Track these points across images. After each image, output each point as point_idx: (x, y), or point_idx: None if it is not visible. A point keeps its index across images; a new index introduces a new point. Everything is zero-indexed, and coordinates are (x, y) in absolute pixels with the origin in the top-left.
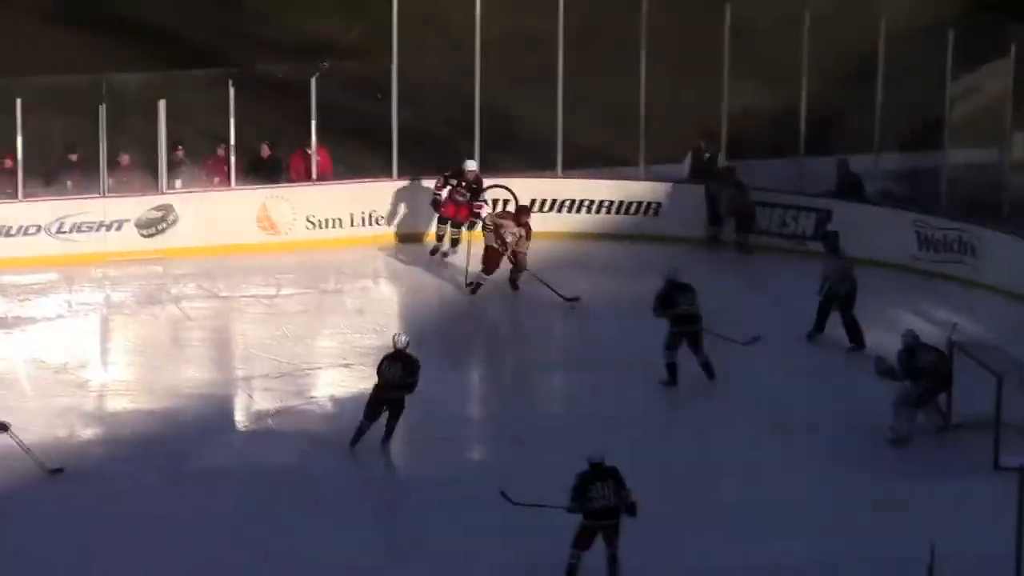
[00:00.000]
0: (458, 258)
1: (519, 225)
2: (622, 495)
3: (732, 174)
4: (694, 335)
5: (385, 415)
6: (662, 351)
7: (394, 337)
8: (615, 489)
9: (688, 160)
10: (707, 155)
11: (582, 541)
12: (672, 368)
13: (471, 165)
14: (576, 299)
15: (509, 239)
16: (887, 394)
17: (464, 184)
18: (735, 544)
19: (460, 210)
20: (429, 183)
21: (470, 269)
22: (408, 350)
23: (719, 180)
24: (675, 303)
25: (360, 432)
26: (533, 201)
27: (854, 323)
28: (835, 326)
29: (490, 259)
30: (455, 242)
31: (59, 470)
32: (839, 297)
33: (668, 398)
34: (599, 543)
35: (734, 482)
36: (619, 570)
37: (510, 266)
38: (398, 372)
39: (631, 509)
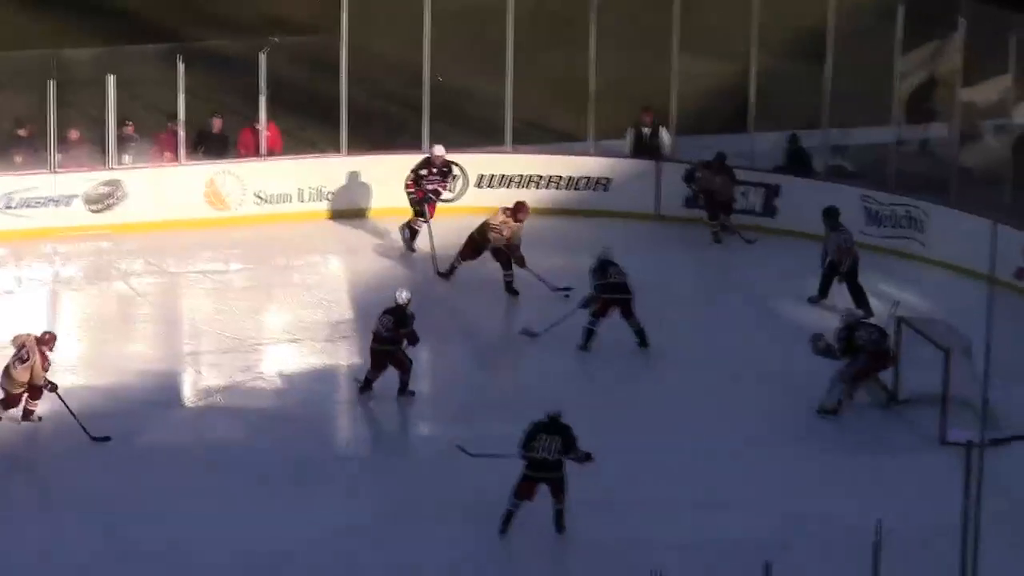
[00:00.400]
0: (421, 241)
1: (516, 221)
2: (570, 454)
3: (723, 161)
4: (625, 304)
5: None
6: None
7: (396, 292)
8: (561, 447)
9: (630, 136)
10: (648, 131)
11: (521, 490)
12: (590, 334)
13: (439, 150)
14: (568, 289)
15: (495, 235)
16: (823, 367)
17: (435, 171)
18: (678, 518)
19: (429, 202)
20: (378, 158)
21: (438, 253)
22: (408, 307)
23: (711, 169)
24: (607, 274)
25: (368, 382)
26: (482, 176)
27: (860, 293)
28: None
29: (467, 247)
30: (414, 233)
31: (106, 438)
32: (841, 272)
33: (614, 372)
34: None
35: (679, 456)
36: (564, 524)
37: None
38: (388, 324)
39: (582, 458)
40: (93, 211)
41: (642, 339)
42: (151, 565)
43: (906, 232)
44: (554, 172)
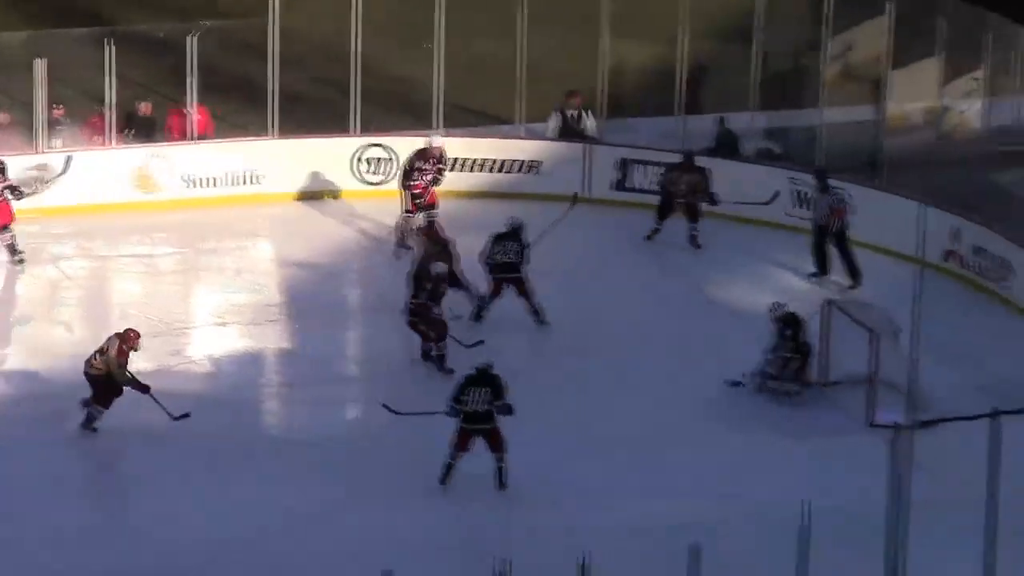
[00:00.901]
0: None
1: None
2: (496, 402)
3: (691, 161)
4: (517, 282)
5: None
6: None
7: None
8: (491, 396)
9: (554, 119)
10: (574, 114)
11: (458, 442)
12: (479, 308)
13: (437, 140)
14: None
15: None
16: (756, 351)
17: (432, 161)
18: (612, 504)
19: (427, 190)
20: (308, 142)
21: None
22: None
23: (680, 169)
24: (494, 251)
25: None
26: None
27: (850, 259)
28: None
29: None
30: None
31: (185, 415)
32: (832, 233)
33: (545, 355)
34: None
35: (601, 441)
36: (506, 480)
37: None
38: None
39: (504, 410)
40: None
41: (538, 317)
42: (86, 548)
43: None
44: (484, 155)
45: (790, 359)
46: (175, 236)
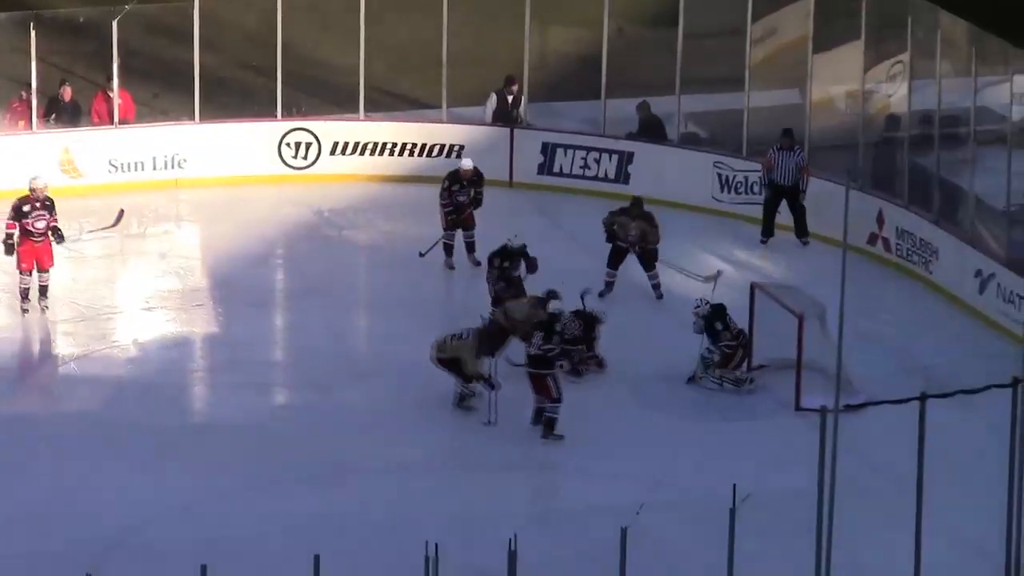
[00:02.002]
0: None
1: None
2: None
3: (641, 206)
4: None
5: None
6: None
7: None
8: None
9: (492, 101)
10: (511, 98)
11: None
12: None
13: (467, 163)
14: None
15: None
16: (691, 337)
17: (465, 183)
18: (540, 486)
19: (464, 210)
20: (232, 126)
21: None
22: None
23: (627, 215)
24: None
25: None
26: (336, 144)
27: (802, 215)
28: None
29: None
30: (449, 248)
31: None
32: (785, 189)
33: None
34: None
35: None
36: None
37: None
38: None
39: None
40: None
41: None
42: (7, 534)
43: (759, 198)
44: (407, 139)
45: (734, 348)
46: (100, 221)
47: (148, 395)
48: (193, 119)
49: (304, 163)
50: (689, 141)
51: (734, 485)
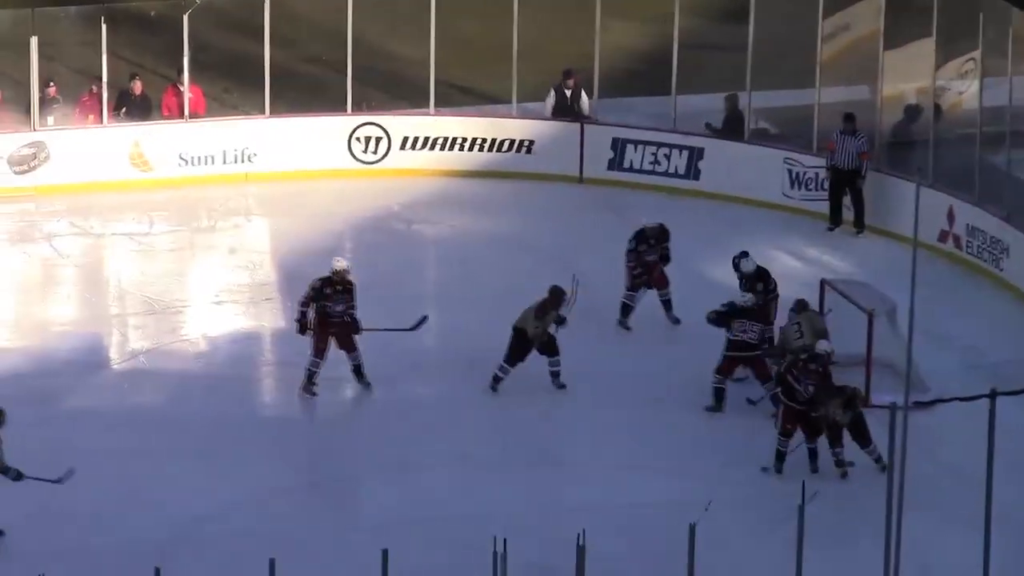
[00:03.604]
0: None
1: None
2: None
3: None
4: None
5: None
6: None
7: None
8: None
9: (551, 98)
10: (570, 93)
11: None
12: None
13: (649, 221)
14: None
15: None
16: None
17: (652, 242)
18: (599, 480)
19: (654, 270)
20: (302, 120)
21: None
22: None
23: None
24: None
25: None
26: (405, 139)
27: (861, 202)
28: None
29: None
30: (628, 309)
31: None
32: (845, 174)
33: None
34: None
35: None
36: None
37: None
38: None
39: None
40: (17, 173)
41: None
42: (77, 528)
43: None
44: (477, 134)
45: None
46: (170, 214)
47: (216, 389)
48: (263, 113)
49: (374, 158)
50: (759, 137)
51: (803, 482)
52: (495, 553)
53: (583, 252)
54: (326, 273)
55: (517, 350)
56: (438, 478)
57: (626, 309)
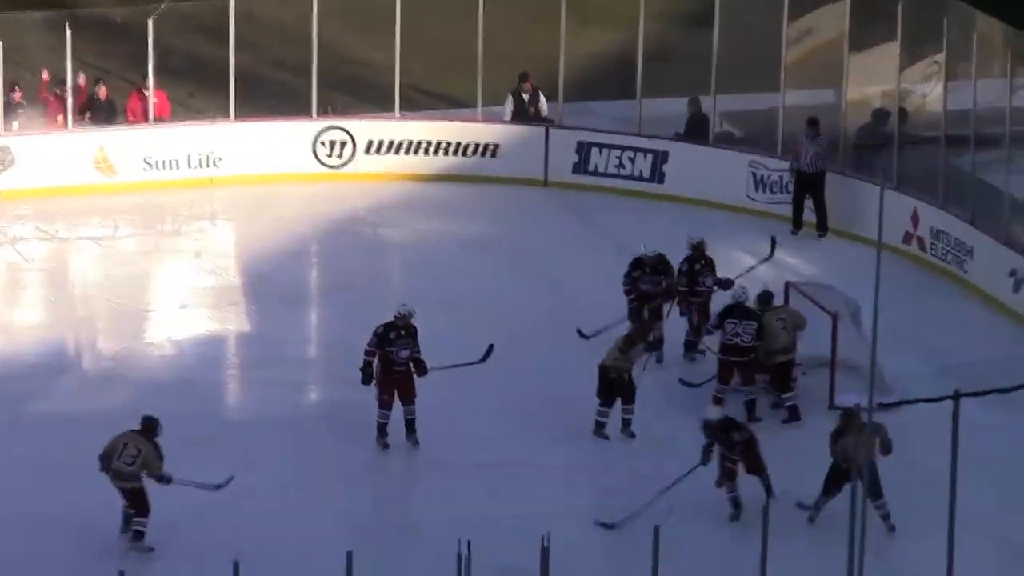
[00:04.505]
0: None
1: None
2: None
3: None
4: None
5: None
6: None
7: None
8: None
9: (509, 102)
10: (528, 96)
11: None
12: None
13: (646, 249)
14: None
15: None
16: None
17: (648, 270)
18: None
19: (654, 300)
20: (267, 125)
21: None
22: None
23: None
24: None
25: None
26: (371, 143)
27: (823, 208)
28: None
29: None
30: (659, 342)
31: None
32: (809, 177)
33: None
34: None
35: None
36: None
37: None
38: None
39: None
40: None
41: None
42: (43, 531)
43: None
44: (442, 138)
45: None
46: (135, 218)
47: (183, 392)
48: (228, 117)
49: (339, 162)
50: (724, 140)
51: (767, 486)
52: (459, 556)
53: (548, 255)
54: (389, 318)
55: (605, 388)
56: (402, 482)
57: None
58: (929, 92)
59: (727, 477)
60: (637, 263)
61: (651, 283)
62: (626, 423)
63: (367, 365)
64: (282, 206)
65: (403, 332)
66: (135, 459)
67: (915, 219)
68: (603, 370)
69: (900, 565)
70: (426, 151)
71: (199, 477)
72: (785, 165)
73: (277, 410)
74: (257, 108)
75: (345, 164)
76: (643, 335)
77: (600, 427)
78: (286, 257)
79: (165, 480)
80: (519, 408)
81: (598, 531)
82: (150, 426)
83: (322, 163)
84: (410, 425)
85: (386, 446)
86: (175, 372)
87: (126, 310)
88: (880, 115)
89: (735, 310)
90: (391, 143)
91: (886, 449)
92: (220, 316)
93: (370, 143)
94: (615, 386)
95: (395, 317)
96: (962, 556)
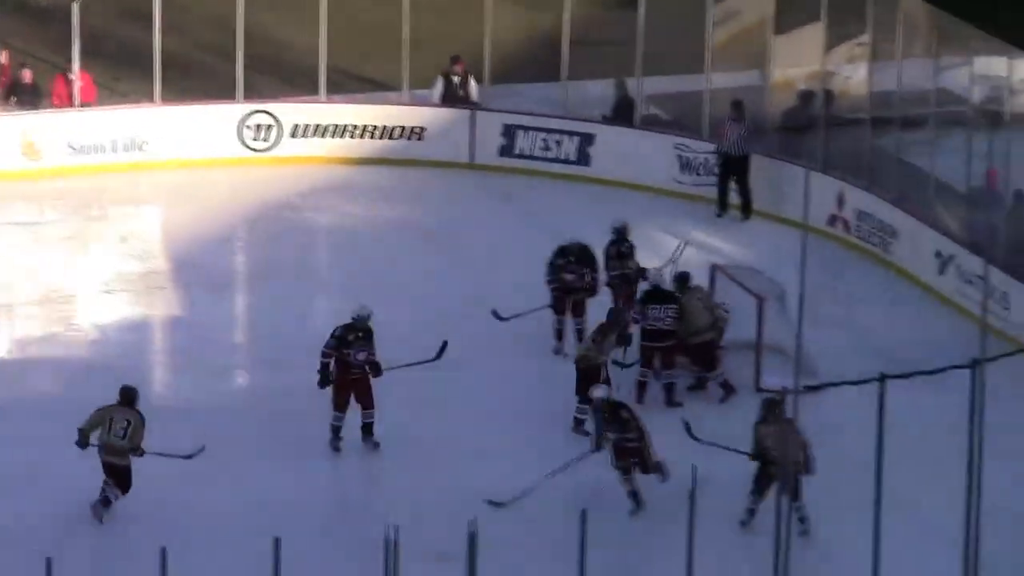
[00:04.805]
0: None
1: None
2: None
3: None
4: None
5: None
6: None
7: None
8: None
9: (439, 85)
10: (458, 79)
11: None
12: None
13: (572, 239)
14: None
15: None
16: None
17: (572, 259)
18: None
19: (578, 293)
20: (192, 108)
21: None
22: None
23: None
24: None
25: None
26: (296, 127)
27: (747, 191)
28: None
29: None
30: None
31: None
32: (734, 160)
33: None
34: None
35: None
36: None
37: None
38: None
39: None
40: None
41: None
42: None
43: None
44: (368, 121)
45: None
46: (60, 203)
47: (108, 378)
48: (154, 101)
49: (265, 145)
50: (650, 123)
51: (693, 466)
52: (387, 540)
53: (475, 238)
54: (347, 320)
55: (582, 384)
56: (329, 466)
57: (558, 333)
58: (854, 73)
59: (619, 458)
60: (561, 252)
61: (575, 273)
62: (578, 422)
63: (324, 367)
64: (208, 190)
65: (361, 335)
66: (126, 431)
67: (841, 201)
68: (577, 364)
69: (827, 548)
70: (352, 134)
71: (134, 462)
72: (711, 147)
73: (203, 396)
74: (183, 92)
75: (271, 148)
76: (616, 326)
77: (578, 424)
78: (213, 242)
79: (139, 452)
80: (449, 390)
81: (529, 516)
82: (131, 396)
83: (248, 147)
84: (367, 428)
85: (338, 449)
86: (101, 358)
87: (51, 295)
88: (806, 97)
89: (655, 295)
90: (317, 127)
91: (809, 469)
92: (147, 301)
93: (296, 127)
94: (589, 377)
95: (353, 319)
96: (889, 537)
